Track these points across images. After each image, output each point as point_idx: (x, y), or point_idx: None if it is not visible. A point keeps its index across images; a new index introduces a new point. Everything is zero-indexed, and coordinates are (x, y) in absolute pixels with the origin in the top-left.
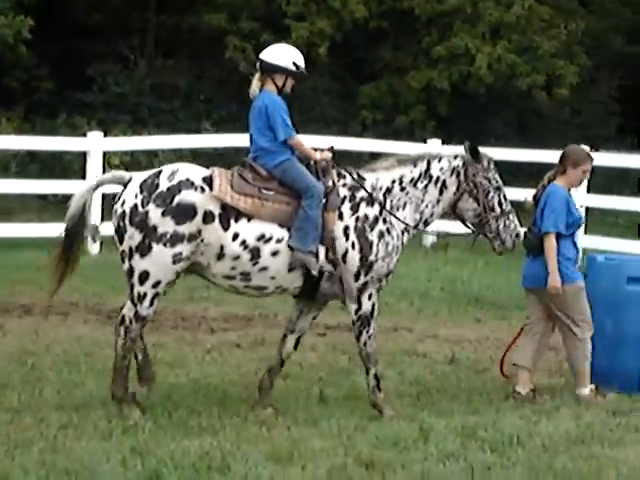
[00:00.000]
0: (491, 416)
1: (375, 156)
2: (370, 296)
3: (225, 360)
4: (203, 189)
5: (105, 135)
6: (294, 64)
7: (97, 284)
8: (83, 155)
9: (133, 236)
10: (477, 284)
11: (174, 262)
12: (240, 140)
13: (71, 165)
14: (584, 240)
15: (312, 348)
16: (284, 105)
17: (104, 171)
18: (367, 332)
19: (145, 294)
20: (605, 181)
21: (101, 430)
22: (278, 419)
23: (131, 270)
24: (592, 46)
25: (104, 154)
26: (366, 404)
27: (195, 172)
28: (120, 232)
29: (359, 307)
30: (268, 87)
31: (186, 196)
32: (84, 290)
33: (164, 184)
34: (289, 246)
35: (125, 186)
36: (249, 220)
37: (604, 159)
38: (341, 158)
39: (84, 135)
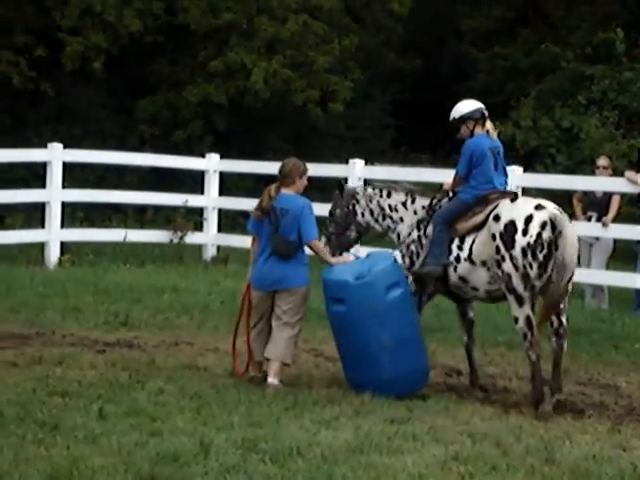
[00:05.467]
0: (271, 427)
1: (157, 170)
2: None
3: (1, 379)
4: None
5: None
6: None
7: None
8: None
9: None
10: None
11: None
12: (14, 155)
13: None
14: None
15: (91, 365)
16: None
17: None
18: None
19: None
20: None
21: None
22: (56, 438)
23: None
24: (366, 61)
25: None
26: (147, 420)
27: None
28: None
29: None
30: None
31: None
32: None
33: None
34: None
35: None
36: None
37: (379, 172)
38: (119, 173)
39: None
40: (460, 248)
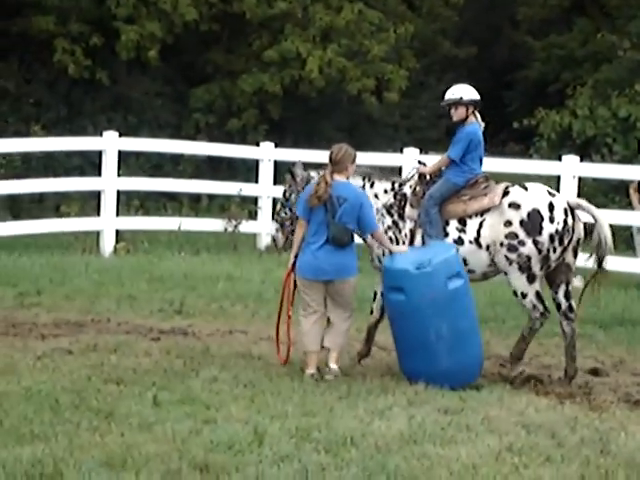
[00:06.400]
0: (325, 417)
1: (212, 159)
2: None
3: (57, 366)
4: None
5: None
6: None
7: None
8: None
9: None
10: None
11: None
12: (70, 144)
13: None
14: None
15: (146, 353)
16: None
17: None
18: None
19: None
20: None
21: None
22: (111, 425)
23: None
24: (421, 50)
25: None
26: (201, 408)
27: None
28: None
29: None
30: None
31: None
32: None
33: None
34: None
35: None
36: None
37: (434, 161)
38: (174, 161)
39: None
40: (462, 230)
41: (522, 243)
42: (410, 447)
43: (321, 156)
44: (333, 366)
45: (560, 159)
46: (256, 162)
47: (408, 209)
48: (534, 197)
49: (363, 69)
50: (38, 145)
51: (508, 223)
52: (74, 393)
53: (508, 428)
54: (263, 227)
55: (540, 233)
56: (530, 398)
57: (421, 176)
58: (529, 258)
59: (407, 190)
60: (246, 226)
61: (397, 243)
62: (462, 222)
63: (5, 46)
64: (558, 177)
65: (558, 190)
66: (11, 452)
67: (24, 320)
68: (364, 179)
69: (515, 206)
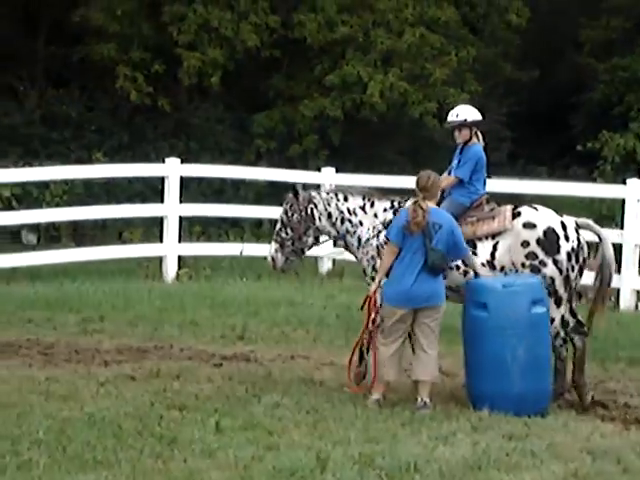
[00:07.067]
0: (388, 443)
1: (273, 184)
2: None
3: (120, 393)
4: None
5: None
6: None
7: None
8: None
9: None
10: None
11: None
12: (132, 170)
13: None
14: None
15: (208, 379)
16: None
17: None
18: None
19: None
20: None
21: None
22: (174, 451)
23: None
24: (483, 73)
25: None
26: (263, 433)
27: None
28: None
29: None
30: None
31: None
32: None
33: None
34: None
35: None
36: None
37: (496, 185)
38: (235, 187)
39: None
40: (473, 253)
41: (543, 263)
42: (474, 473)
43: (382, 181)
44: (427, 399)
45: (624, 182)
46: (317, 187)
47: None
48: (547, 216)
49: (425, 93)
50: (100, 172)
51: (525, 243)
52: (137, 419)
53: (573, 454)
54: (324, 252)
55: (558, 252)
56: (595, 424)
57: None
58: (553, 280)
59: None
60: (308, 251)
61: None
62: (472, 244)
63: (67, 73)
64: (622, 200)
65: (623, 214)
66: (74, 479)
67: (87, 346)
68: (364, 198)
69: (530, 226)
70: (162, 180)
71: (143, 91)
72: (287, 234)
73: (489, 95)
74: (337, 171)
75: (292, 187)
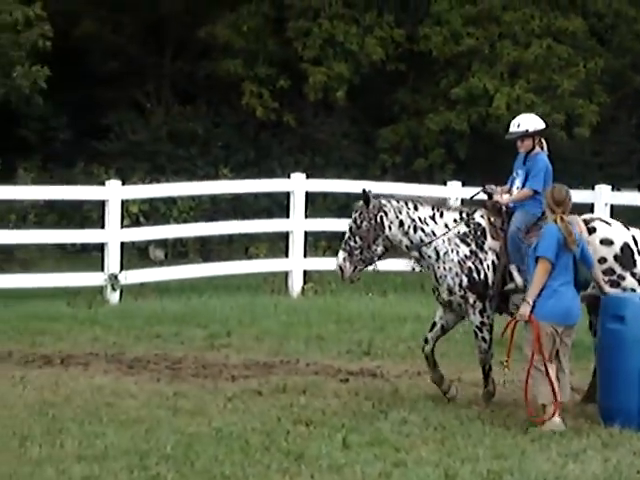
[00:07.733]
0: (517, 459)
1: None
2: None
3: (247, 408)
4: None
5: (123, 183)
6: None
7: (117, 333)
8: (101, 204)
9: None
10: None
11: None
12: (258, 186)
13: (89, 214)
14: None
15: (335, 394)
16: None
17: (122, 219)
18: None
19: None
20: (627, 220)
21: None
22: (301, 467)
23: None
24: (612, 84)
25: (122, 202)
26: (390, 450)
27: None
28: None
29: None
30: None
31: None
32: (104, 340)
33: None
34: None
35: None
36: None
37: (626, 198)
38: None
39: (102, 184)
40: None
41: (622, 277)
42: None
43: None
44: (557, 418)
45: None
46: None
47: (490, 240)
48: (621, 232)
49: (552, 104)
50: (227, 187)
51: (603, 260)
52: (264, 434)
53: None
54: None
55: (635, 265)
56: None
57: (494, 206)
58: (634, 291)
59: (479, 219)
60: None
61: (478, 273)
62: None
63: (193, 89)
64: None
65: None
66: None
67: (214, 361)
68: (433, 208)
69: (607, 242)
70: (288, 195)
71: (269, 107)
72: (356, 242)
73: (618, 106)
74: (463, 185)
75: (363, 192)
